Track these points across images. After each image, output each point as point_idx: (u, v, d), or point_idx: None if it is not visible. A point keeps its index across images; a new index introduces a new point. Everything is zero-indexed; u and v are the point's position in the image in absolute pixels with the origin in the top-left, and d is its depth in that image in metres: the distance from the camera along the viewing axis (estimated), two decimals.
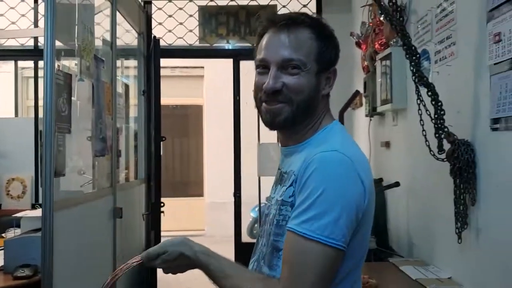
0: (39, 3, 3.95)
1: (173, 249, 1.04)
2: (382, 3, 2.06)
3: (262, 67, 1.05)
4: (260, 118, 1.10)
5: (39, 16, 3.93)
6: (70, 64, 2.53)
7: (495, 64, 1.68)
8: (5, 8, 4.02)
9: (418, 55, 1.87)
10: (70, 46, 2.34)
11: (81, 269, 2.38)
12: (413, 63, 1.84)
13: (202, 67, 7.88)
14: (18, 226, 2.65)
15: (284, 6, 4.04)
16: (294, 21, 1.03)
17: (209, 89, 7.86)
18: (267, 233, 1.06)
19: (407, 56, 1.87)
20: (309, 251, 0.91)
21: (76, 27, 2.37)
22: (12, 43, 4.08)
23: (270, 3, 4.03)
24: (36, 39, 3.93)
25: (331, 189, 0.92)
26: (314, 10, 4.02)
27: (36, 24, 3.94)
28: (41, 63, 3.71)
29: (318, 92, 1.05)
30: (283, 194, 1.02)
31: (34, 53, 3.96)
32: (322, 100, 1.07)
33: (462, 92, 1.91)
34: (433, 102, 1.83)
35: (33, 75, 4.10)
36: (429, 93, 1.84)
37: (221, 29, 4.13)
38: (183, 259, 1.04)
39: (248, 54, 3.97)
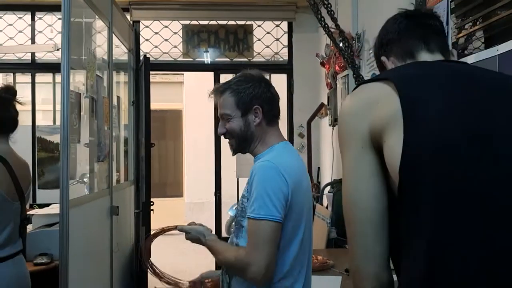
0: (35, 19, 4.33)
1: (195, 233, 1.64)
2: (336, 38, 2.55)
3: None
4: None
5: (36, 32, 4.32)
6: (74, 79, 2.95)
7: None
8: (3, 25, 4.38)
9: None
10: (78, 69, 2.76)
11: (87, 256, 2.80)
12: None
13: (182, 74, 8.28)
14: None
15: (259, 26, 4.54)
16: (220, 89, 1.59)
17: (189, 95, 8.28)
18: (237, 215, 1.59)
19: (356, 82, 2.37)
20: (258, 226, 1.42)
21: (83, 52, 2.80)
22: (10, 57, 4.44)
23: (247, 23, 4.52)
24: (33, 54, 4.31)
25: (264, 185, 1.42)
26: (286, 30, 4.52)
27: (33, 40, 4.32)
28: (37, 76, 4.12)
29: (249, 125, 1.56)
30: (244, 190, 1.54)
31: (31, 67, 4.34)
32: (258, 128, 1.57)
33: None
34: None
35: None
36: None
37: (202, 45, 4.59)
38: (197, 239, 1.63)
39: (226, 68, 4.49)
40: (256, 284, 1.45)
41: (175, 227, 1.72)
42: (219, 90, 1.60)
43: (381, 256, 0.89)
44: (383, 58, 1.07)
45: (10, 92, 2.08)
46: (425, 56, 1.03)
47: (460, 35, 1.85)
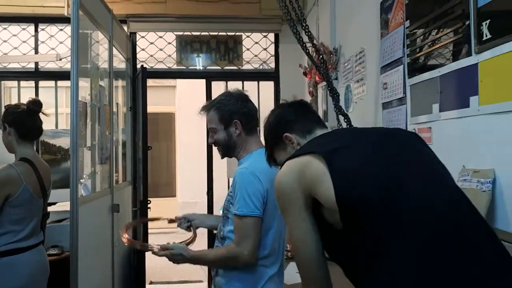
0: (38, 30, 4.63)
1: (177, 251, 1.88)
2: (313, 56, 2.89)
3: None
4: None
5: (39, 42, 4.62)
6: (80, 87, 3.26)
7: (384, 103, 2.54)
8: (8, 35, 4.67)
9: (337, 94, 2.70)
10: (84, 77, 3.07)
11: (93, 249, 3.12)
12: (334, 100, 2.68)
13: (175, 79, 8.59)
14: None
15: (248, 36, 4.87)
16: (207, 108, 1.95)
17: (181, 98, 8.59)
18: (224, 209, 1.94)
19: (330, 94, 2.71)
20: (243, 221, 1.77)
21: (88, 63, 3.12)
22: (14, 65, 4.73)
23: (236, 34, 4.85)
24: (36, 63, 4.61)
25: (245, 188, 1.77)
26: (273, 40, 4.86)
27: (36, 50, 4.62)
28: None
29: (231, 136, 1.91)
30: (230, 189, 1.90)
31: (34, 75, 4.63)
32: (239, 138, 1.91)
33: (368, 119, 2.77)
34: (348, 126, 2.67)
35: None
36: (345, 120, 2.68)
37: (195, 54, 4.91)
38: (180, 256, 1.87)
39: (218, 75, 4.82)
40: (246, 266, 1.81)
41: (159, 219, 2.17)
42: (206, 108, 1.96)
43: (326, 278, 1.23)
44: (287, 134, 1.41)
45: (36, 104, 2.41)
46: (318, 131, 1.41)
47: (415, 56, 2.19)
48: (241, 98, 1.96)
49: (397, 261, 1.04)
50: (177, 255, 1.87)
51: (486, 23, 1.59)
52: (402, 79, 2.28)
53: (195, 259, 1.90)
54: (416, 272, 1.02)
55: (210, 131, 1.97)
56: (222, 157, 2.01)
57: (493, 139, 1.58)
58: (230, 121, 1.91)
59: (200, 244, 2.19)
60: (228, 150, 1.96)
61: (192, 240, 2.08)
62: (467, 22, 1.70)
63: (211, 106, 1.95)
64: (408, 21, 2.23)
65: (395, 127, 2.20)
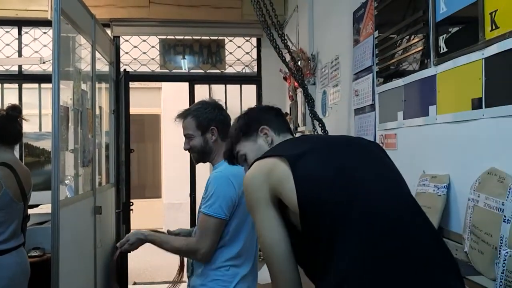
0: (22, 33, 4.66)
1: (133, 238, 1.97)
2: (289, 63, 2.98)
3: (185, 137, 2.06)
4: None
5: (22, 45, 4.65)
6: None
7: (355, 109, 2.64)
8: None
9: (312, 100, 2.79)
10: (66, 80, 3.12)
11: (75, 251, 3.17)
12: (309, 105, 2.77)
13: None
14: None
15: (230, 40, 4.95)
16: (184, 114, 2.04)
17: (167, 100, 8.64)
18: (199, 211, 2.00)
19: (306, 100, 2.80)
20: (207, 220, 1.86)
21: (70, 66, 3.17)
22: None
23: (219, 38, 4.93)
24: (20, 66, 4.65)
25: (216, 190, 1.86)
26: (255, 45, 4.94)
27: (20, 53, 4.65)
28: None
29: (207, 142, 2.01)
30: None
31: (18, 78, 4.67)
32: (215, 143, 2.01)
33: (342, 125, 2.86)
34: (322, 131, 2.76)
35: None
36: (320, 125, 2.77)
37: (180, 56, 4.98)
38: (139, 241, 1.97)
39: (201, 79, 4.90)
40: (201, 262, 1.93)
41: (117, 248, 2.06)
42: (183, 115, 2.05)
43: (295, 276, 1.27)
44: (265, 126, 1.48)
45: (16, 110, 2.47)
46: (288, 136, 1.51)
47: (383, 65, 2.28)
48: (217, 106, 2.07)
49: (347, 262, 1.12)
50: (136, 242, 1.95)
51: (443, 37, 1.69)
52: (371, 87, 2.38)
53: (153, 241, 1.97)
54: (365, 272, 1.11)
55: (186, 137, 2.05)
56: (196, 163, 2.10)
57: (449, 146, 1.68)
58: (207, 128, 2.01)
59: None
60: (203, 156, 2.05)
61: (180, 270, 2.18)
62: (427, 35, 1.80)
63: (188, 113, 2.05)
64: (377, 31, 2.32)
65: (358, 137, 2.30)
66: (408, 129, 1.98)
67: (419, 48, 1.89)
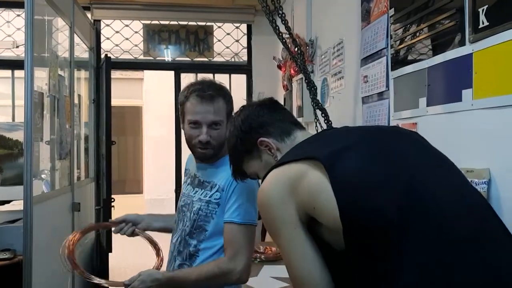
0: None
1: (145, 278, 1.53)
2: (290, 47, 2.73)
3: (194, 123, 1.59)
4: None
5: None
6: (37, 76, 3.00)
7: (364, 97, 2.40)
8: None
9: (315, 87, 2.55)
10: (41, 67, 2.81)
11: (50, 251, 2.87)
12: (311, 93, 2.52)
13: (142, 71, 8.29)
14: None
15: (219, 27, 4.67)
16: (216, 95, 1.58)
17: (149, 92, 8.31)
18: (190, 218, 1.63)
19: (308, 87, 2.55)
20: (241, 231, 1.52)
21: (46, 50, 2.86)
22: None
23: (207, 24, 4.64)
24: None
25: (245, 193, 1.53)
26: (245, 32, 4.67)
27: None
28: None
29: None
30: (208, 196, 1.60)
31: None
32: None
33: (347, 114, 2.63)
34: (325, 121, 2.52)
35: None
36: (323, 115, 2.53)
37: (163, 44, 4.68)
38: (156, 280, 1.53)
39: (187, 67, 4.61)
40: (241, 283, 1.57)
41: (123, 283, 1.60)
42: (215, 95, 1.59)
43: None
44: (263, 138, 1.19)
45: None
46: (298, 133, 1.20)
47: (400, 46, 2.05)
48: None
49: (415, 274, 0.87)
50: (148, 282, 1.53)
51: (483, 9, 1.46)
52: (385, 72, 2.15)
53: (172, 280, 1.54)
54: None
55: (211, 125, 1.58)
56: (212, 160, 1.64)
57: (488, 136, 1.46)
58: (229, 119, 1.57)
59: None
60: (220, 150, 1.62)
61: (160, 260, 1.72)
62: (461, 9, 1.57)
63: (222, 94, 1.61)
64: (393, 9, 2.09)
65: (393, 125, 1.99)
66: (433, 117, 1.75)
67: (449, 25, 1.66)
